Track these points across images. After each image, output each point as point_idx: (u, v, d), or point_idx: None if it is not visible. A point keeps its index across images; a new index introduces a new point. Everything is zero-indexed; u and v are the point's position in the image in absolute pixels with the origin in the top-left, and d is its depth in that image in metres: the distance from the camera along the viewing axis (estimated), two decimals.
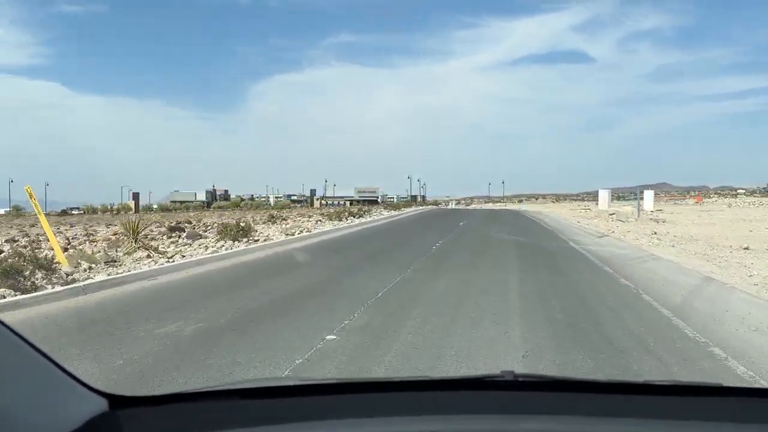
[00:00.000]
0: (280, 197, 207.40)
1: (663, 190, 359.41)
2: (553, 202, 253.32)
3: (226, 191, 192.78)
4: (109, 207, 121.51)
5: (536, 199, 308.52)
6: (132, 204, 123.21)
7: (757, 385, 5.05)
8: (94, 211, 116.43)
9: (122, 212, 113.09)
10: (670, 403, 1.60)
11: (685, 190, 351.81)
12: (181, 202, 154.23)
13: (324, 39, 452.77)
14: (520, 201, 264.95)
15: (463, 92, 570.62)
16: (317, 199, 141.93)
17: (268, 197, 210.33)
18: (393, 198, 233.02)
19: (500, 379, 1.65)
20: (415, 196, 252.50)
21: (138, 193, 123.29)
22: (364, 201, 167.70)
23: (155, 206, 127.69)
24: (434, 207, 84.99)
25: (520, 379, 1.66)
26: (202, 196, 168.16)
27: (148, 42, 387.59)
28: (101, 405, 1.47)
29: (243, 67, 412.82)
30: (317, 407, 1.61)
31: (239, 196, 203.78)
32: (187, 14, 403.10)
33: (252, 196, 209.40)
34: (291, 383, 1.78)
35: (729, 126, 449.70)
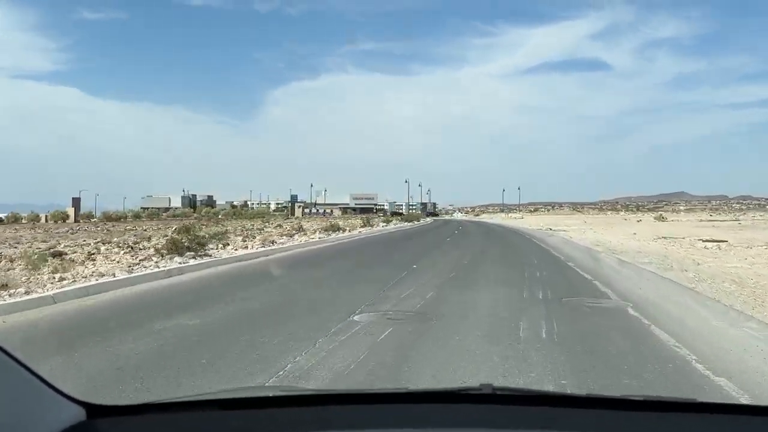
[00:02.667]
0: (281, 203, 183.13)
1: (682, 199, 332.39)
2: (577, 211, 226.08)
3: (210, 196, 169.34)
4: (39, 214, 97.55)
5: (552, 208, 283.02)
6: (71, 211, 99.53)
7: (732, 402, 4.20)
8: (16, 219, 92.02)
9: (56, 221, 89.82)
10: (646, 418, 1.57)
11: (705, 200, 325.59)
12: (151, 209, 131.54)
13: (341, 46, 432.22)
14: (536, 209, 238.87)
15: (479, 99, 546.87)
16: (299, 207, 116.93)
17: (269, 203, 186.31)
18: (401, 205, 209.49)
19: (479, 392, 1.62)
20: (425, 203, 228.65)
21: (79, 198, 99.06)
22: (361, 209, 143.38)
23: (99, 214, 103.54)
24: (405, 225, 55.84)
25: (499, 393, 1.63)
26: (177, 201, 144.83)
27: (166, 48, 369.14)
28: (79, 414, 1.40)
29: (260, 74, 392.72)
30: (296, 419, 1.58)
31: (230, 201, 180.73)
32: (206, 21, 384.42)
33: (245, 202, 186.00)
34: (271, 394, 1.73)
35: (749, 135, 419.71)
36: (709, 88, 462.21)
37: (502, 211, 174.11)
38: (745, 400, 4.34)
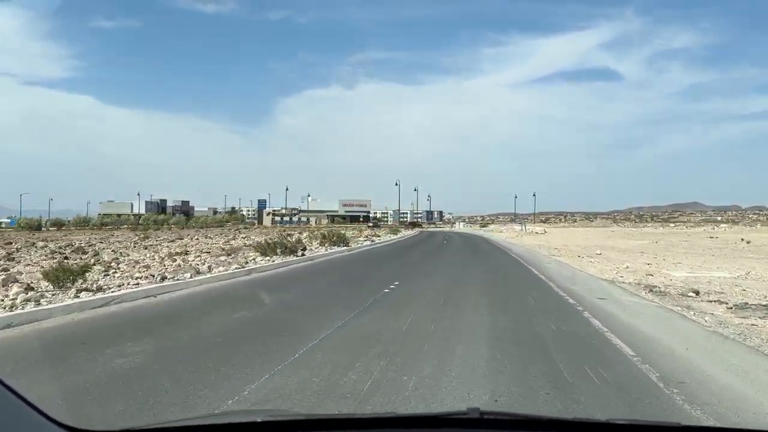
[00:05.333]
0: (277, 209, 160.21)
1: (696, 210, 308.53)
2: (589, 220, 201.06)
3: (186, 202, 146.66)
4: None
5: (564, 218, 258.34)
6: None
7: (712, 425, 3.74)
8: None
9: None
10: None
11: (720, 210, 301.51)
12: (110, 215, 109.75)
13: (352, 55, 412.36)
14: (547, 219, 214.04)
15: (489, 108, 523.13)
16: (268, 214, 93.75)
17: (267, 212, 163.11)
18: (406, 213, 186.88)
19: (466, 417, 1.57)
20: (431, 212, 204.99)
21: None
22: (351, 217, 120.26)
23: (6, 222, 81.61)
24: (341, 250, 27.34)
25: (486, 417, 1.57)
26: (141, 207, 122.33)
27: (177, 55, 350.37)
28: None
29: (271, 82, 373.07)
30: None
31: (213, 208, 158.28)
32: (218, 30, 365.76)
33: (233, 208, 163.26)
34: (259, 419, 1.65)
35: (761, 145, 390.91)
36: (721, 98, 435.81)
37: (512, 221, 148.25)
38: None
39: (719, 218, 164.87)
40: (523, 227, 52.44)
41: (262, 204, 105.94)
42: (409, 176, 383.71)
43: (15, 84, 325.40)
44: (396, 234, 47.87)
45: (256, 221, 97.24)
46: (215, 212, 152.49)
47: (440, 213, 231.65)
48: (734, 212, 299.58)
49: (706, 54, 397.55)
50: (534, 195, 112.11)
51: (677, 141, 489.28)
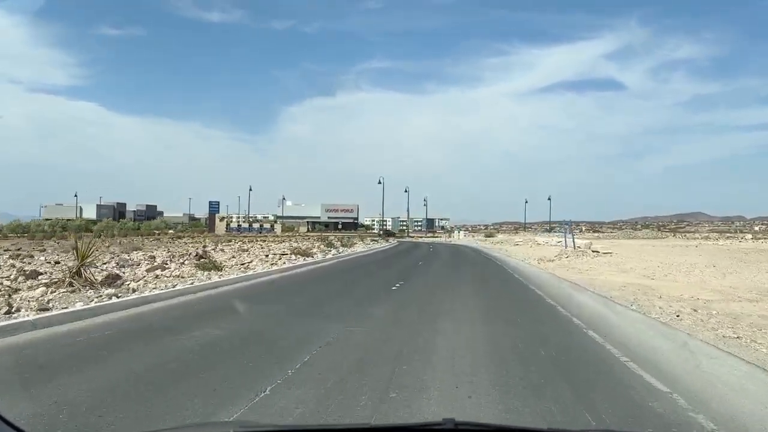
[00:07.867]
0: (272, 216, 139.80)
1: (701, 220, 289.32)
2: (595, 230, 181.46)
3: (154, 206, 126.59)
4: None
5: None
6: None
7: None
8: None
9: None
10: None
11: (726, 219, 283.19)
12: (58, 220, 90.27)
13: (356, 65, 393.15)
14: (552, 228, 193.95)
15: (492, 118, 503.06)
16: (222, 220, 73.17)
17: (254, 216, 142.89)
18: (404, 221, 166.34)
19: (441, 427, 1.51)
20: (432, 220, 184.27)
21: None
22: (335, 225, 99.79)
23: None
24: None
25: (461, 428, 1.51)
26: (91, 212, 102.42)
27: (183, 62, 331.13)
28: None
29: (275, 91, 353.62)
30: None
31: (189, 214, 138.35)
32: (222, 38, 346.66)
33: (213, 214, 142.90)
34: (231, 430, 1.61)
35: (766, 156, 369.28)
36: (724, 109, 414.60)
37: (518, 228, 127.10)
38: None
39: (756, 228, 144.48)
40: (568, 240, 30.72)
41: (213, 208, 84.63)
42: (411, 184, 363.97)
43: (20, 91, 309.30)
44: (341, 250, 27.22)
45: (207, 229, 76.79)
46: (191, 218, 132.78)
47: (440, 220, 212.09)
48: (741, 222, 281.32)
49: (709, 65, 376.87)
50: (549, 199, 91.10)
51: (681, 151, 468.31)
